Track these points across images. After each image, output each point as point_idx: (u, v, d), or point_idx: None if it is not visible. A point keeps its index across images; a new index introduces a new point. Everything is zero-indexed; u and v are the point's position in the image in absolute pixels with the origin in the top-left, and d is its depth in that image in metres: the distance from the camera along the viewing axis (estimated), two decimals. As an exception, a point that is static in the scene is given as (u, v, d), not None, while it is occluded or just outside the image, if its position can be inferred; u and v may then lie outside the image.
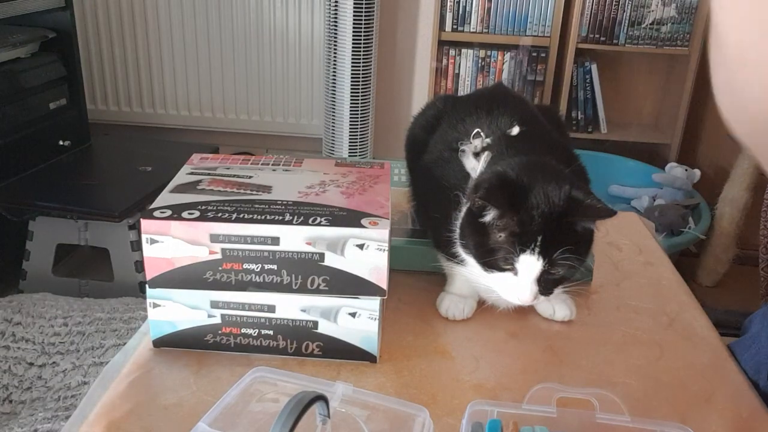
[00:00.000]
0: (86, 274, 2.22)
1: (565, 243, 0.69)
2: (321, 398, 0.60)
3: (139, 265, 1.91)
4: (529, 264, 0.69)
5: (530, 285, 0.71)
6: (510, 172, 0.72)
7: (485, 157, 0.77)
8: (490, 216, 0.70)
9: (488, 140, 0.79)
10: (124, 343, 0.80)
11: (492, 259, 0.71)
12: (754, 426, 0.68)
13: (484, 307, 0.83)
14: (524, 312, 0.84)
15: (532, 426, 0.60)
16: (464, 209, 0.75)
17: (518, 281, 0.71)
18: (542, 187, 0.70)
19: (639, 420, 0.60)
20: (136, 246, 2.03)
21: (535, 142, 0.80)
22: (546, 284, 0.72)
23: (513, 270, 0.71)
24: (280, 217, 0.71)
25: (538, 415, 0.61)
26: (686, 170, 2.51)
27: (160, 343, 0.75)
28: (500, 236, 0.71)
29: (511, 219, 0.69)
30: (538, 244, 0.69)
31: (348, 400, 0.65)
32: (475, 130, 0.80)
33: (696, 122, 2.68)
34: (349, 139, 2.65)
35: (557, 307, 0.84)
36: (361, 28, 2.52)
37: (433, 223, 0.85)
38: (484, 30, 2.61)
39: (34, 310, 1.68)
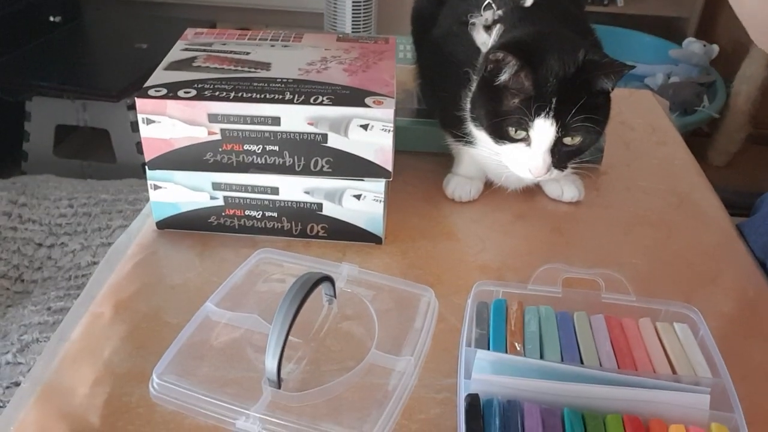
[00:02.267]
0: (88, 156, 2.21)
1: (580, 106, 0.66)
2: (327, 279, 0.60)
3: (141, 146, 1.89)
4: (543, 130, 0.67)
5: (543, 154, 0.68)
6: (524, 37, 0.70)
7: (497, 30, 0.73)
8: (505, 75, 0.67)
9: (500, 12, 0.75)
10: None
11: (505, 127, 0.69)
12: (759, 305, 0.68)
13: (491, 189, 0.82)
14: (531, 193, 0.83)
15: (537, 306, 0.61)
16: (476, 81, 0.72)
17: (531, 151, 0.69)
18: (558, 50, 0.67)
19: (644, 299, 0.61)
20: (137, 127, 2.00)
21: (549, 15, 0.76)
22: (560, 156, 0.69)
23: (526, 140, 0.69)
24: (281, 96, 0.68)
25: (544, 295, 0.62)
26: (704, 46, 2.42)
27: (164, 224, 0.75)
28: (514, 101, 0.68)
29: (527, 78, 0.67)
30: (552, 107, 0.66)
31: (354, 280, 0.66)
32: (486, 2, 0.75)
33: (716, -6, 2.55)
34: (352, 12, 2.54)
35: (565, 187, 0.82)
36: None
37: (441, 102, 0.82)
38: None
39: (38, 191, 1.68)
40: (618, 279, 0.61)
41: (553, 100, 0.66)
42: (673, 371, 0.55)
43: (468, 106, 0.74)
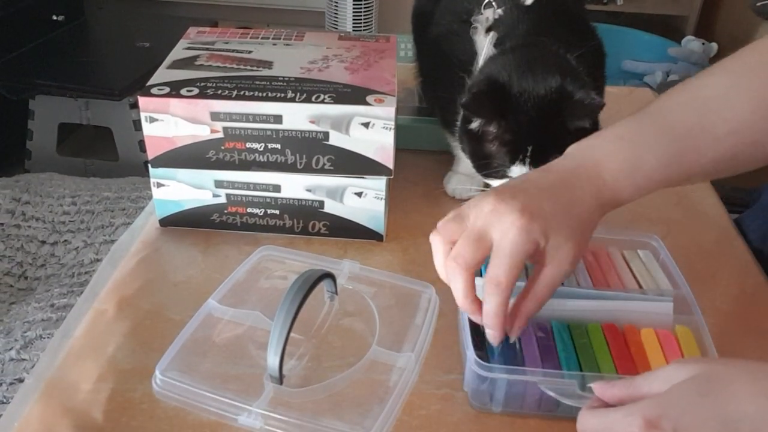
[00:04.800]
0: (91, 154, 2.21)
1: (558, 148, 0.61)
2: (329, 276, 0.61)
3: (143, 145, 1.90)
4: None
5: None
6: (500, 74, 0.67)
7: (490, 38, 0.73)
8: (476, 124, 0.67)
9: (500, 11, 0.75)
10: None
11: (486, 168, 0.69)
12: (757, 302, 0.69)
13: (491, 187, 0.82)
14: (532, 191, 0.83)
15: None
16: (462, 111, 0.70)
17: None
18: (533, 88, 0.65)
19: (611, 231, 0.67)
20: (139, 125, 2.00)
21: (549, 15, 0.76)
22: None
23: (508, 179, 0.68)
24: (282, 95, 0.68)
25: None
26: (703, 44, 2.42)
27: (167, 222, 0.75)
28: (492, 145, 0.67)
29: (499, 127, 0.66)
30: (528, 154, 0.65)
31: (355, 277, 0.66)
32: (487, 0, 0.76)
33: (717, -8, 2.55)
34: (353, 11, 2.55)
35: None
36: None
37: (441, 102, 0.82)
38: None
39: (41, 189, 1.69)
40: None
41: (529, 149, 0.65)
42: (640, 287, 0.62)
43: (457, 131, 0.73)
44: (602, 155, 0.54)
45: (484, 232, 0.50)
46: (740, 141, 0.55)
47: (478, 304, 0.53)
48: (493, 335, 0.52)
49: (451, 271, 0.52)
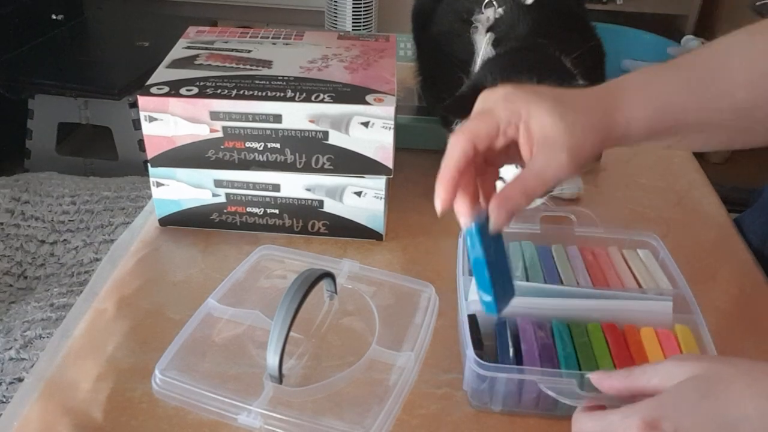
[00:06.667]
0: (90, 153, 2.21)
1: None
2: (328, 275, 0.61)
3: (143, 144, 1.89)
4: (511, 174, 0.67)
5: None
6: (485, 79, 0.68)
7: (487, 38, 0.73)
8: (456, 126, 0.68)
9: (501, 10, 0.75)
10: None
11: None
12: (756, 301, 0.69)
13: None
14: (532, 190, 0.84)
15: (519, 241, 0.67)
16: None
17: None
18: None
19: (611, 230, 0.69)
20: (138, 124, 2.00)
21: (549, 15, 0.76)
22: None
23: (500, 179, 0.69)
24: (282, 94, 0.68)
25: (525, 231, 0.68)
26: (703, 43, 2.42)
27: (166, 221, 0.75)
28: None
29: None
30: None
31: (354, 276, 0.66)
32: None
33: (716, -8, 2.55)
34: (353, 10, 2.55)
35: (565, 184, 0.82)
36: None
37: (440, 102, 0.82)
38: None
39: (41, 188, 1.69)
40: (587, 214, 0.69)
41: None
42: (640, 286, 0.63)
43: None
44: (628, 84, 0.54)
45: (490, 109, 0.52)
46: (757, 93, 0.53)
47: (455, 187, 0.52)
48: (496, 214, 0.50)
49: (454, 139, 0.51)
